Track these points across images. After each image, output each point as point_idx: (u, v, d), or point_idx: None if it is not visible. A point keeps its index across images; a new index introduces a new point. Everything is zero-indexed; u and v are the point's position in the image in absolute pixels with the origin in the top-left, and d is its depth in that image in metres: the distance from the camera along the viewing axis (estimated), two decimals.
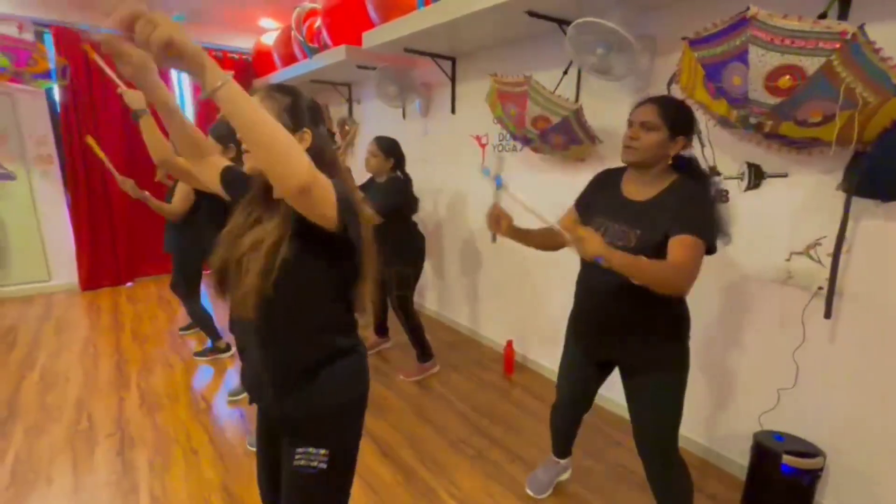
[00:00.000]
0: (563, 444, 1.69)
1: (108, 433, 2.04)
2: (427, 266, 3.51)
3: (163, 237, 2.66)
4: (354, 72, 3.36)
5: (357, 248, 0.89)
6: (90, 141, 2.57)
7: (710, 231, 1.13)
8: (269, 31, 4.20)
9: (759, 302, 1.70)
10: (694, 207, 1.14)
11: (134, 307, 3.67)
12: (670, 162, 1.21)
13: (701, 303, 1.92)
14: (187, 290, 2.65)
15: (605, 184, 1.33)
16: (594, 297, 1.30)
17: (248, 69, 4.58)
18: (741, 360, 1.78)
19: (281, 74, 3.89)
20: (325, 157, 0.90)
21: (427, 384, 2.51)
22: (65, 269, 4.01)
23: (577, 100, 2.13)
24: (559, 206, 1.38)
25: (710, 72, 1.34)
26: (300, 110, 0.91)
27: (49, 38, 3.69)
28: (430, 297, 3.57)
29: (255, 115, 0.69)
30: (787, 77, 1.16)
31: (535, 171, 2.46)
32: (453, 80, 2.89)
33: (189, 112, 4.42)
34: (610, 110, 2.03)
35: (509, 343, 2.61)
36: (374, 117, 3.81)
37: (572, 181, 2.27)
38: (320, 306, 0.94)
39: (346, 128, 4.08)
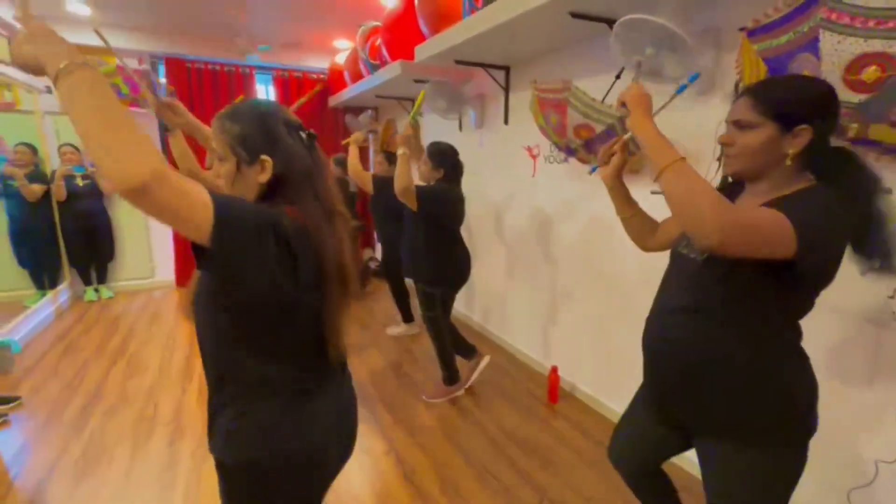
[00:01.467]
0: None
1: (166, 422, 2.23)
2: (476, 280, 3.44)
3: None
4: (410, 86, 3.41)
5: (259, 285, 0.74)
6: None
7: (812, 237, 0.77)
8: (342, 51, 4.46)
9: (851, 346, 1.37)
10: (811, 206, 0.81)
11: None
12: (789, 163, 0.86)
13: None
14: None
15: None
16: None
17: (324, 88, 4.89)
18: (827, 417, 1.44)
19: (349, 91, 4.09)
20: (290, 180, 0.83)
21: (463, 404, 2.41)
22: (165, 267, 4.57)
23: None
24: (615, 225, 1.21)
25: (773, 67, 1.11)
26: (258, 137, 0.82)
27: (162, 68, 4.27)
28: (478, 311, 3.47)
29: (91, 109, 0.60)
30: (874, 67, 0.91)
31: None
32: (507, 89, 2.80)
33: None
34: (669, 117, 1.79)
35: (554, 369, 2.42)
36: (434, 130, 3.83)
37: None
38: (236, 346, 0.83)
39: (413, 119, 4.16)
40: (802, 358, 0.94)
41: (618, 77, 1.94)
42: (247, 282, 0.73)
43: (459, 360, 2.48)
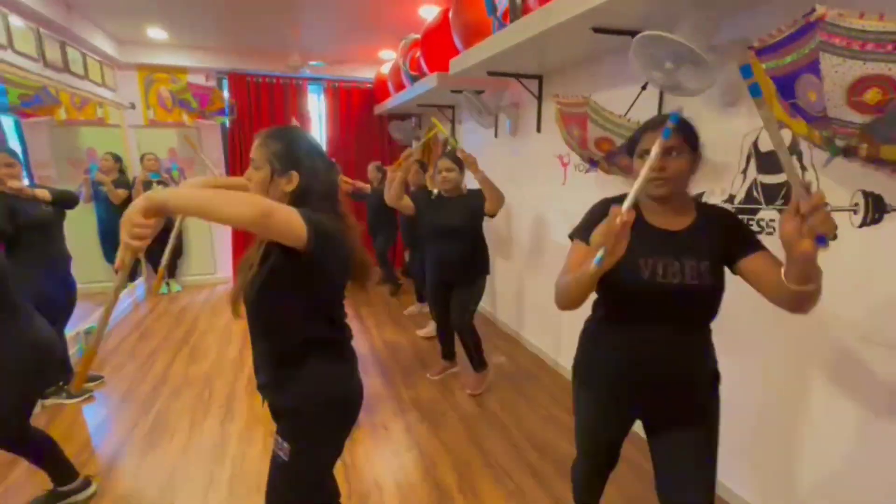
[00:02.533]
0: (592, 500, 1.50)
1: (219, 405, 2.49)
2: (505, 284, 3.50)
3: None
4: (449, 96, 3.53)
5: (331, 270, 1.02)
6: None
7: None
8: (387, 62, 4.66)
9: (865, 373, 1.31)
10: (738, 224, 1.10)
11: None
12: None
13: (781, 367, 1.56)
14: None
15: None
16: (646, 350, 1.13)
17: (370, 97, 5.13)
18: (833, 451, 1.38)
19: (393, 101, 4.28)
20: (312, 193, 1.04)
21: (488, 406, 2.49)
22: (225, 264, 5.00)
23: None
24: None
25: (780, 86, 1.10)
26: (289, 156, 1.04)
27: (225, 83, 4.69)
28: (505, 313, 3.52)
29: (195, 201, 0.85)
30: (875, 90, 0.90)
31: (609, 191, 2.26)
32: (539, 98, 2.84)
33: None
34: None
35: None
36: (472, 137, 3.92)
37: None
38: (293, 318, 1.06)
39: (448, 148, 4.28)
40: None
41: (643, 88, 1.95)
42: (326, 272, 1.02)
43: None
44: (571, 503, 1.77)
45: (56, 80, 3.22)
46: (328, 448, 1.14)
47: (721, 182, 1.72)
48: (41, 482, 1.73)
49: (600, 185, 2.39)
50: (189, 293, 4.64)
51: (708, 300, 1.07)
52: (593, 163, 1.97)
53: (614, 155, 1.80)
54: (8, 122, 3.44)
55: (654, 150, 0.91)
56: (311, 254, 0.94)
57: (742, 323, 1.54)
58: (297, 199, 1.04)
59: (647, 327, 1.08)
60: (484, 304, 3.60)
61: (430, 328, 3.48)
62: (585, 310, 2.74)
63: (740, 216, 1.37)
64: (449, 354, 2.84)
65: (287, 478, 1.10)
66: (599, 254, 0.85)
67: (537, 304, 3.14)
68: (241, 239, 4.90)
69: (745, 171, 1.63)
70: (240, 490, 1.85)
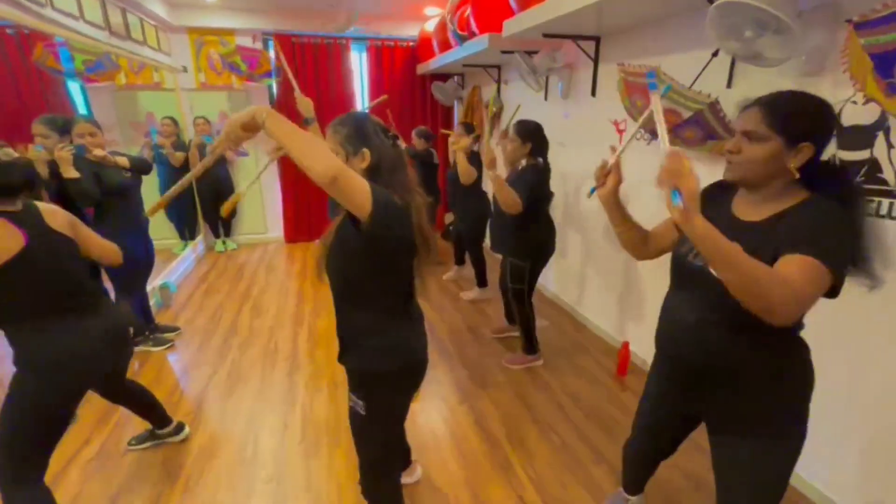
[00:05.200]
0: (636, 481, 1.54)
1: (285, 357, 2.73)
2: (557, 253, 3.52)
3: None
4: (499, 56, 3.44)
5: (392, 246, 1.09)
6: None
7: (840, 260, 0.86)
8: (432, 18, 4.53)
9: None
10: (825, 227, 0.88)
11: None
12: (797, 176, 0.92)
13: (874, 359, 1.56)
14: None
15: (715, 198, 1.10)
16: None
17: (412, 56, 5.03)
18: None
19: (437, 61, 4.20)
20: (382, 168, 1.12)
21: (534, 369, 2.61)
22: (276, 224, 5.23)
23: (729, 86, 1.85)
24: None
25: (878, 63, 1.06)
26: (358, 136, 1.11)
27: (271, 44, 4.71)
28: (553, 282, 3.57)
29: (291, 135, 0.91)
30: None
31: None
32: (596, 61, 2.74)
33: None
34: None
35: (625, 344, 2.50)
36: (519, 98, 3.83)
37: (711, 174, 2.00)
38: (364, 286, 1.16)
39: (493, 109, 4.21)
40: (806, 353, 1.04)
41: (714, 55, 1.86)
42: (386, 246, 1.09)
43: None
44: (613, 459, 1.90)
45: (119, 47, 3.34)
46: (398, 406, 1.28)
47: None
48: (142, 423, 1.99)
49: (655, 157, 2.33)
50: (244, 251, 4.92)
51: None
52: (655, 134, 1.92)
53: (679, 128, 1.76)
54: (75, 88, 3.65)
55: (654, 99, 0.97)
56: (372, 226, 1.00)
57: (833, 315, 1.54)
58: (371, 174, 1.10)
59: (681, 305, 1.10)
60: None
61: (476, 292, 3.60)
62: (625, 278, 2.73)
63: None
64: (510, 317, 2.91)
65: (365, 428, 1.26)
66: (676, 201, 0.82)
67: (583, 271, 3.17)
68: (292, 201, 5.09)
69: None
70: (310, 433, 2.07)
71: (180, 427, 2.02)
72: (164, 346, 2.82)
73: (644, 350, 2.55)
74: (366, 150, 1.11)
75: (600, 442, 2.01)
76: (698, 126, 1.70)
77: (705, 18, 1.99)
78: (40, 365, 1.31)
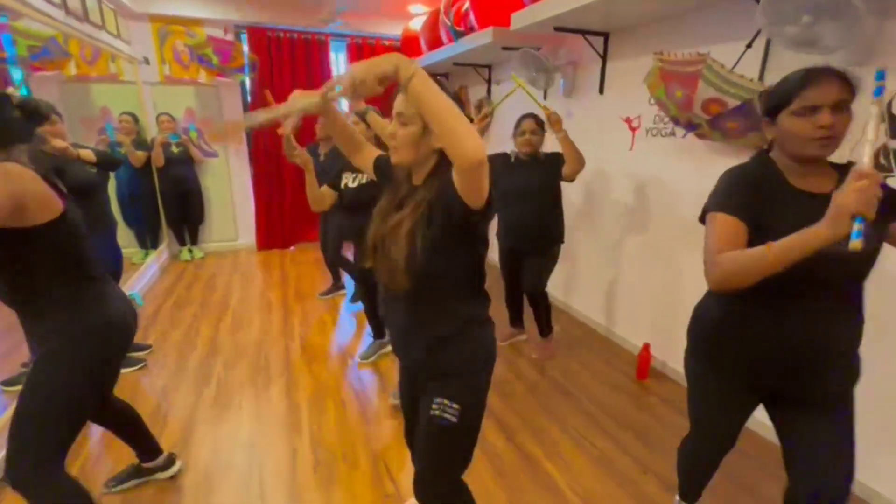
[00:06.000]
0: (695, 488, 1.45)
1: (279, 374, 2.45)
2: (564, 255, 3.44)
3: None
4: (496, 53, 3.35)
5: (485, 233, 1.03)
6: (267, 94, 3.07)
7: None
8: (417, 17, 4.39)
9: None
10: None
11: (296, 269, 4.29)
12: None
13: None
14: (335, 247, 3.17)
15: (764, 183, 1.03)
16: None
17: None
18: None
19: (426, 58, 4.06)
20: None
21: (550, 374, 2.48)
22: (247, 231, 4.86)
23: (761, 79, 1.82)
24: None
25: None
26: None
27: (244, 38, 4.39)
28: (561, 287, 3.49)
29: (441, 100, 0.79)
30: None
31: (696, 159, 2.18)
32: (604, 57, 2.69)
33: None
34: None
35: (646, 346, 2.43)
36: (513, 98, 3.75)
37: None
38: (459, 282, 1.04)
39: (484, 110, 4.11)
40: None
41: (748, 46, 1.83)
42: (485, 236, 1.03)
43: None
44: (657, 467, 1.80)
45: (78, 31, 2.96)
46: (483, 402, 1.14)
47: (839, 149, 1.64)
48: (119, 457, 1.68)
49: (676, 152, 2.29)
50: (213, 260, 4.52)
51: (864, 268, 0.99)
52: (691, 126, 1.87)
53: (722, 118, 1.71)
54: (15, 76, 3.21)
55: (875, 110, 0.85)
56: (489, 212, 0.91)
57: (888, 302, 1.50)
58: (442, 157, 0.97)
59: (803, 302, 1.00)
60: None
61: None
62: (639, 279, 2.63)
63: None
64: (517, 321, 2.80)
65: (456, 438, 1.09)
66: (857, 227, 0.76)
67: (590, 272, 3.10)
68: (264, 206, 4.74)
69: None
70: (325, 458, 1.83)
71: (170, 460, 1.72)
72: (136, 367, 2.46)
73: (666, 353, 2.49)
74: None
75: (639, 451, 1.90)
76: (743, 116, 1.65)
77: (714, 14, 1.98)
78: (77, 333, 1.22)
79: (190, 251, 4.54)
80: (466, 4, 3.15)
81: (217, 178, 4.65)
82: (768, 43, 1.81)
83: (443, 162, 0.96)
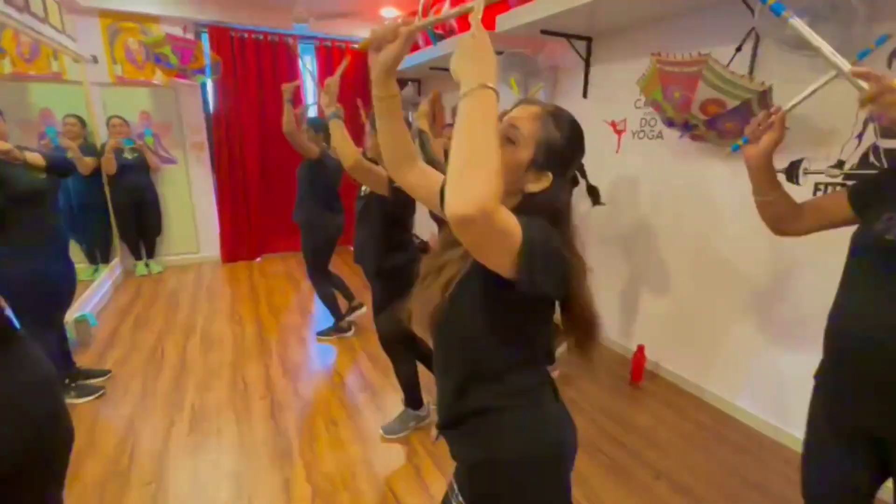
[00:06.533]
0: None
1: (261, 395, 2.26)
2: None
3: (290, 220, 2.90)
4: None
5: (553, 302, 0.80)
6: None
7: None
8: (389, 20, 4.31)
9: None
10: None
11: (266, 281, 4.05)
12: None
13: None
14: (316, 268, 2.87)
15: (871, 192, 0.94)
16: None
17: (367, 59, 4.75)
18: None
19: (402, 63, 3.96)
20: (552, 208, 0.76)
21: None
22: (210, 243, 4.55)
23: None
24: (714, 201, 1.07)
25: None
26: (563, 151, 0.76)
27: (205, 37, 4.14)
28: None
29: (477, 134, 0.61)
30: None
31: (684, 161, 2.22)
32: (587, 61, 2.71)
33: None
34: (793, 93, 1.73)
35: (640, 348, 2.43)
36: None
37: (733, 173, 2.02)
38: (497, 350, 0.80)
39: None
40: None
41: (738, 49, 1.88)
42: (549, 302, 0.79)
43: None
44: (670, 472, 1.77)
45: (17, 21, 2.66)
46: None
47: (827, 147, 1.70)
48: None
49: (664, 154, 2.32)
50: (173, 274, 4.19)
51: None
52: (687, 127, 1.89)
53: (721, 118, 1.73)
54: None
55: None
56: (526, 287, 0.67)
57: None
58: (526, 205, 0.76)
59: (878, 299, 0.86)
60: None
61: None
62: (628, 282, 2.64)
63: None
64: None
65: None
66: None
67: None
68: (229, 215, 4.46)
69: (860, 136, 1.61)
70: (324, 488, 1.67)
71: None
72: (94, 396, 2.19)
73: (658, 354, 2.50)
74: (549, 175, 0.76)
75: (648, 455, 1.87)
76: (740, 117, 1.68)
77: (704, 18, 2.03)
78: None
79: (147, 265, 4.19)
80: (446, 6, 3.10)
81: (176, 185, 4.33)
82: (755, 46, 1.86)
83: (525, 209, 0.73)
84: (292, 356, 2.69)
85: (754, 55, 1.87)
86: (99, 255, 3.94)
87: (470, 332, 0.79)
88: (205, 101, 4.34)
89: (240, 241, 4.59)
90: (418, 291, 0.84)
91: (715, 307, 2.19)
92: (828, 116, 1.68)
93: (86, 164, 3.56)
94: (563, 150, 0.76)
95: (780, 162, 1.81)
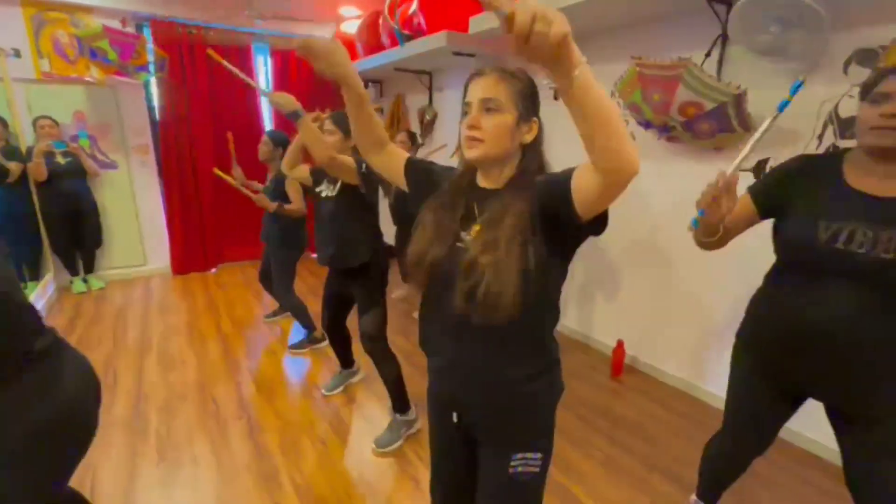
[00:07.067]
0: (715, 490, 1.43)
1: (236, 416, 2.09)
2: None
3: (247, 227, 2.77)
4: (444, 59, 3.29)
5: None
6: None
7: None
8: (349, 20, 4.20)
9: None
10: None
11: (225, 293, 3.79)
12: None
13: None
14: (287, 281, 2.74)
15: (812, 175, 1.06)
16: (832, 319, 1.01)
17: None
18: None
19: (364, 63, 3.88)
20: (535, 148, 0.89)
21: None
22: (158, 253, 4.20)
23: None
24: (682, 198, 1.12)
25: None
26: (533, 96, 0.87)
27: (147, 31, 3.82)
28: None
29: (603, 96, 0.64)
30: None
31: (657, 161, 2.31)
32: None
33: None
34: (758, 97, 1.85)
35: (620, 343, 2.50)
36: (454, 106, 3.73)
37: (704, 171, 2.12)
38: (551, 308, 0.92)
39: (427, 118, 4.03)
40: None
41: (707, 55, 1.98)
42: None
43: None
44: (663, 464, 1.82)
45: None
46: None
47: (791, 147, 1.82)
48: None
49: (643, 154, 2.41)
50: (117, 289, 3.82)
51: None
52: (665, 129, 1.96)
53: (698, 120, 1.81)
54: None
55: (766, 122, 0.95)
56: (593, 230, 0.82)
57: None
58: (528, 155, 0.88)
59: (819, 294, 1.01)
60: None
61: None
62: (601, 278, 2.73)
63: None
64: None
65: (538, 489, 0.95)
66: (695, 216, 0.92)
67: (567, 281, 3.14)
68: (179, 223, 4.14)
69: (820, 137, 1.74)
70: None
71: None
72: None
73: (636, 349, 2.58)
74: (535, 121, 0.88)
75: (639, 448, 1.91)
76: (715, 119, 1.77)
77: (674, 25, 2.13)
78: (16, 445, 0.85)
79: (85, 281, 3.79)
80: (414, 6, 3.06)
81: (117, 193, 3.96)
82: (722, 53, 1.97)
83: (528, 161, 0.87)
84: (265, 372, 2.52)
85: (721, 59, 1.98)
86: (27, 271, 3.52)
87: (538, 295, 0.84)
88: (149, 101, 4.00)
89: (192, 251, 4.27)
90: (464, 280, 0.82)
91: (687, 300, 2.29)
92: (791, 119, 1.80)
93: (10, 169, 3.17)
94: (532, 93, 0.87)
95: (748, 162, 1.93)
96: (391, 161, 1.02)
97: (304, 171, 2.07)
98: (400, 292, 3.64)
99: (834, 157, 1.06)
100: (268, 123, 4.45)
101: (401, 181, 1.02)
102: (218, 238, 4.39)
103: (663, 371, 2.45)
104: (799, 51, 1.57)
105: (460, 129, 0.88)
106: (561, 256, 0.87)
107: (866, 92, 0.98)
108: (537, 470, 0.91)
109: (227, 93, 4.16)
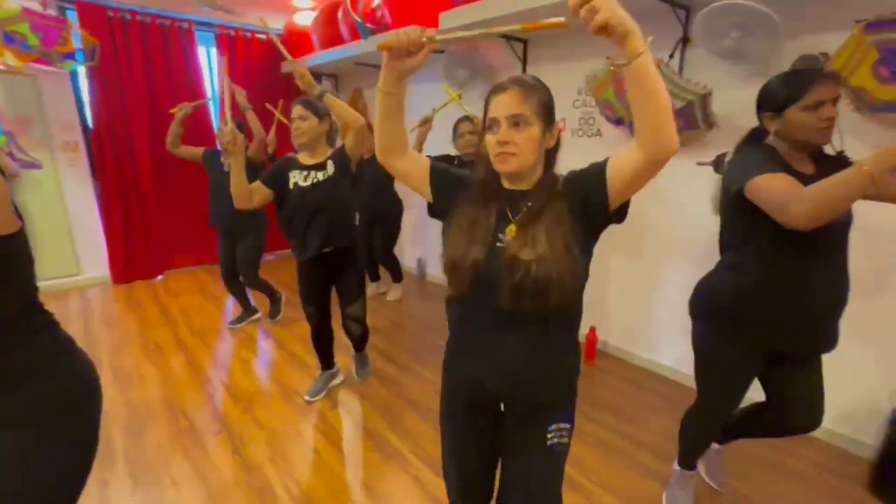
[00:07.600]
0: (698, 455, 1.57)
1: (215, 431, 1.97)
2: None
3: (195, 229, 2.74)
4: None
5: None
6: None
7: None
8: (302, 11, 4.03)
9: None
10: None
11: (176, 300, 3.53)
12: None
13: None
14: (257, 264, 2.92)
15: (778, 161, 1.18)
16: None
17: (276, 51, 4.39)
18: None
19: (322, 56, 3.75)
20: (553, 152, 0.94)
21: None
22: (95, 262, 3.82)
23: None
24: (648, 190, 1.18)
25: (886, 56, 1.33)
26: (551, 104, 0.92)
27: (73, 15, 3.45)
28: None
29: (658, 79, 0.72)
30: None
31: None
32: (524, 62, 2.83)
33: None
34: (726, 96, 2.00)
35: (592, 329, 2.62)
36: (422, 102, 3.70)
37: (670, 164, 2.27)
38: (581, 296, 0.98)
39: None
40: None
41: (671, 56, 2.12)
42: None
43: None
44: (648, 440, 1.94)
45: None
46: None
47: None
48: None
49: (602, 151, 2.51)
50: (49, 302, 3.36)
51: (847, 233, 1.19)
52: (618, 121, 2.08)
53: None
54: None
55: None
56: (619, 215, 0.91)
57: None
58: (551, 156, 0.94)
59: (818, 264, 1.15)
60: None
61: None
62: (606, 275, 2.83)
63: None
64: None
65: (565, 458, 1.02)
66: None
67: None
68: (119, 228, 3.79)
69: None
70: None
71: None
72: None
73: (606, 333, 2.71)
74: (556, 126, 0.93)
75: (624, 428, 2.02)
76: (684, 117, 1.90)
77: (640, 28, 2.25)
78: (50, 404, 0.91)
79: None
80: (377, 0, 3.00)
81: (43, 195, 3.55)
82: (682, 55, 2.12)
83: (551, 161, 0.94)
84: (238, 382, 2.39)
85: (682, 61, 2.13)
86: None
87: (579, 283, 0.91)
88: (77, 93, 3.61)
89: (135, 258, 3.93)
90: (509, 275, 0.84)
91: (652, 286, 2.45)
92: (745, 119, 1.98)
93: None
94: (550, 99, 0.91)
95: (708, 156, 2.09)
96: (413, 166, 1.00)
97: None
98: (395, 293, 3.56)
99: (772, 149, 1.21)
100: (214, 118, 4.17)
101: (422, 185, 1.00)
102: (163, 243, 4.07)
103: (633, 353, 2.61)
104: (759, 53, 1.73)
105: (484, 140, 0.90)
106: (588, 246, 0.92)
107: (791, 102, 1.14)
108: (567, 440, 0.98)
109: (168, 83, 3.86)
